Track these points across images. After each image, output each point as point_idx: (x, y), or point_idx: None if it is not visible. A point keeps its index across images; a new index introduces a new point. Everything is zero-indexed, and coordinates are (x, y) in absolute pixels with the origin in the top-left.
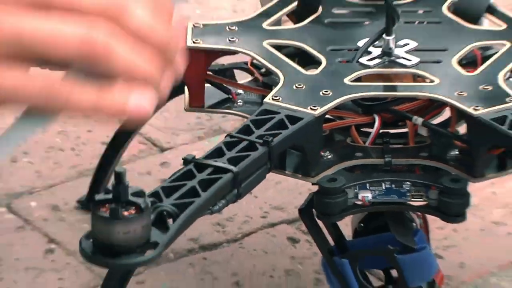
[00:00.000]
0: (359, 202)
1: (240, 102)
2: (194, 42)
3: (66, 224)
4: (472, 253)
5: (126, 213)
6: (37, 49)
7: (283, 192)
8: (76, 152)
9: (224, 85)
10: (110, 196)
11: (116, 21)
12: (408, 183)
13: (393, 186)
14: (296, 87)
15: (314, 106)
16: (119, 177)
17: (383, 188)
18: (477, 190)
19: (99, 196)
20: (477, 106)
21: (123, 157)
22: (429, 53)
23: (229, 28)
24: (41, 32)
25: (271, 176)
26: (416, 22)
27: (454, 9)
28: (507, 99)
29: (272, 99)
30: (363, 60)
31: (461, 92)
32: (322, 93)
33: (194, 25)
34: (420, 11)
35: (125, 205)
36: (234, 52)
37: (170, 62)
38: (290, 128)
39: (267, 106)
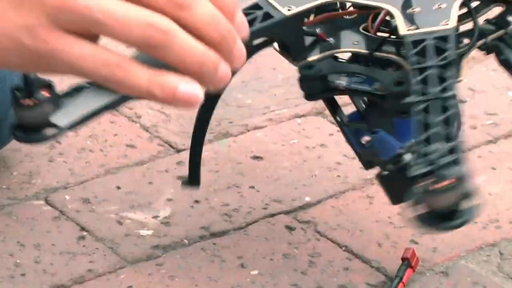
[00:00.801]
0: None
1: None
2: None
3: (96, 215)
4: (444, 239)
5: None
6: (105, 27)
7: (281, 187)
8: (104, 153)
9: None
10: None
11: (180, 14)
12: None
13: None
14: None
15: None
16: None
17: (358, 77)
18: None
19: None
20: None
21: (143, 157)
22: None
23: None
24: (110, 13)
25: (271, 173)
26: None
27: None
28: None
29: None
30: None
31: None
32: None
33: None
34: None
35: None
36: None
37: (229, 56)
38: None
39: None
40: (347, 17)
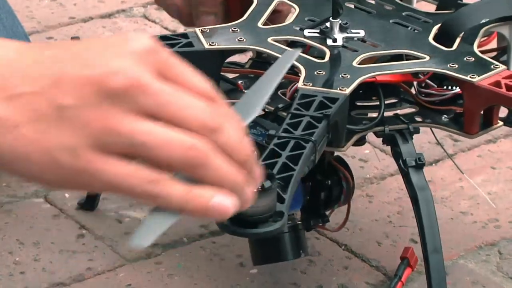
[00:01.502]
0: None
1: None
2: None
3: (95, 213)
4: (443, 239)
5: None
6: (147, 149)
7: None
8: None
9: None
10: None
11: (211, 136)
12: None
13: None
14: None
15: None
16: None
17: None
18: (447, 184)
19: None
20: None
21: None
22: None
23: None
24: (153, 135)
25: None
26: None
27: None
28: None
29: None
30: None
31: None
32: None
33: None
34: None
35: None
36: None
37: (252, 173)
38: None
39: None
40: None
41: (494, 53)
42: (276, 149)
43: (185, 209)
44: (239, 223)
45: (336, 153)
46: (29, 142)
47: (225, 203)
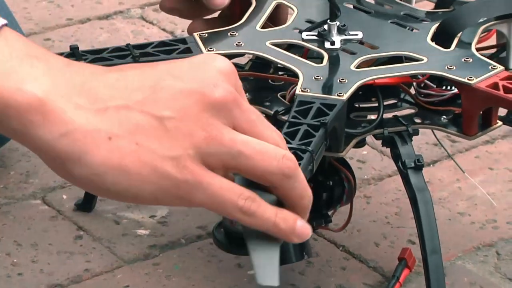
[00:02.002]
0: None
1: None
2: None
3: (92, 214)
4: (441, 239)
5: None
6: (246, 159)
7: None
8: None
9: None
10: None
11: (280, 179)
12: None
13: None
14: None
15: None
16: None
17: None
18: (445, 185)
19: None
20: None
21: None
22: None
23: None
24: (252, 145)
25: None
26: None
27: None
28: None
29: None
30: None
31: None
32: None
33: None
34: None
35: None
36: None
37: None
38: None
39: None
40: (271, 81)
41: (493, 50)
42: None
43: (274, 229)
44: (236, 240)
45: None
46: (126, 154)
47: (306, 226)
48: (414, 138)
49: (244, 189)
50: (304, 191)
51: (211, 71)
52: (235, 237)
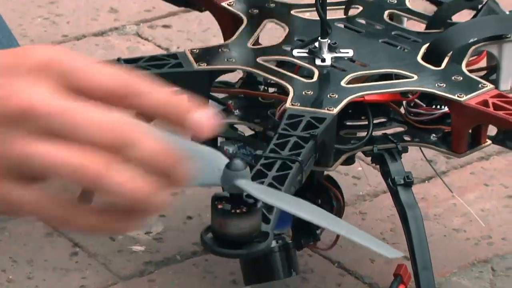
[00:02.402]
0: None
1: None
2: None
3: None
4: (436, 256)
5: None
6: (45, 171)
7: None
8: None
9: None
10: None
11: (119, 152)
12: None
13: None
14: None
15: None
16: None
17: (246, 150)
18: (441, 201)
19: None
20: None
21: None
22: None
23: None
24: (48, 156)
25: None
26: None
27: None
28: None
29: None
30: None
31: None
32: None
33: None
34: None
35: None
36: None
37: (173, 180)
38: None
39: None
40: (261, 99)
41: (484, 72)
42: (263, 169)
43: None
44: (223, 243)
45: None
46: None
47: (131, 224)
48: (408, 154)
49: (52, 199)
50: (120, 192)
51: (17, 73)
52: (223, 240)
